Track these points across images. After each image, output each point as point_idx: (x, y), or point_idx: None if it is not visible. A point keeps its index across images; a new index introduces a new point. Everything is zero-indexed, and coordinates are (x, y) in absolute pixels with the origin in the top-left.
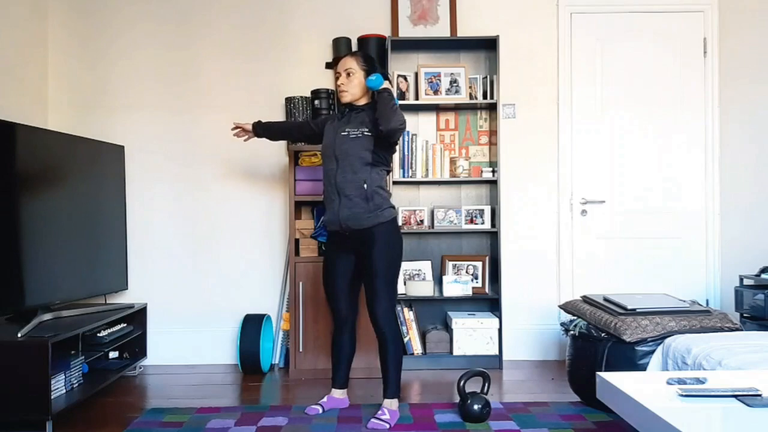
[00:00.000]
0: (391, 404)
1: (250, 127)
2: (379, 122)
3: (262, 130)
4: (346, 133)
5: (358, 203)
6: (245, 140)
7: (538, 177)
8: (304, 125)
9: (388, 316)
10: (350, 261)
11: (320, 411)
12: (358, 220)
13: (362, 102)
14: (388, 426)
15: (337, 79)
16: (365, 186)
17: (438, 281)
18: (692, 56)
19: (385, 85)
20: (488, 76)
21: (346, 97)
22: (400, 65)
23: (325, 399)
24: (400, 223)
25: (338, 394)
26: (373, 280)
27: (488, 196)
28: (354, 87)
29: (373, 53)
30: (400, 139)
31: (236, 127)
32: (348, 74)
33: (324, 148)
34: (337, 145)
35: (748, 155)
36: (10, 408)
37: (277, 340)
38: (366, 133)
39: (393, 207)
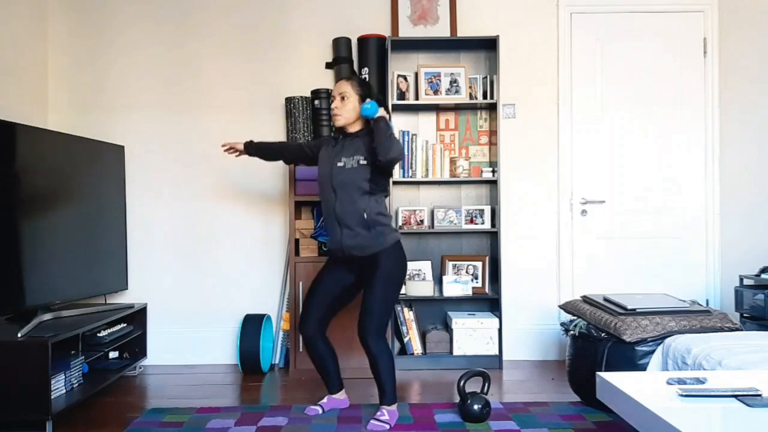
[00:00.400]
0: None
1: (241, 147)
2: (377, 152)
3: (254, 149)
4: (342, 164)
5: (359, 232)
6: (236, 156)
7: (538, 177)
8: (298, 149)
9: (375, 336)
10: (349, 278)
11: (320, 411)
12: (362, 249)
13: (356, 128)
14: (387, 426)
15: (332, 102)
16: (365, 216)
17: (438, 281)
18: (692, 56)
19: (381, 113)
20: (488, 76)
21: (340, 121)
22: (400, 65)
23: (325, 399)
24: (400, 224)
25: (338, 394)
26: (370, 299)
27: (488, 196)
28: (348, 111)
29: (373, 53)
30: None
31: (225, 145)
32: (342, 98)
33: (320, 177)
34: (333, 176)
35: (748, 155)
36: (10, 408)
37: (277, 340)
38: (362, 162)
39: (396, 230)
